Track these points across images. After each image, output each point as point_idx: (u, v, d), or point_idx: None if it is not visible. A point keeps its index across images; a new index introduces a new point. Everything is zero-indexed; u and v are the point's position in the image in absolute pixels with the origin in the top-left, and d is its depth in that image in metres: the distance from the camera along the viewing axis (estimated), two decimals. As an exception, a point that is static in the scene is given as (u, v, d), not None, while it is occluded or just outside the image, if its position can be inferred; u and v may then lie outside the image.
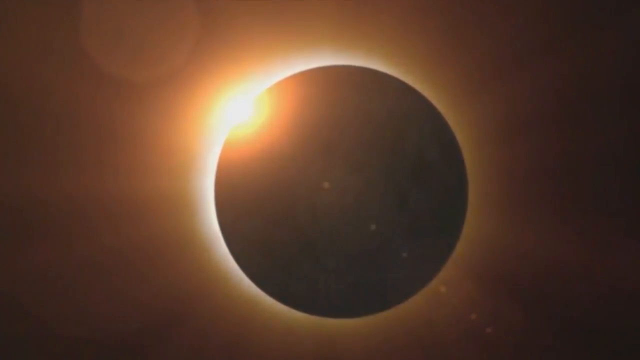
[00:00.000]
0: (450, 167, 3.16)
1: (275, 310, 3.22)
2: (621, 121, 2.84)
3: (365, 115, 3.19)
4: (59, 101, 2.91)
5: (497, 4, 2.92)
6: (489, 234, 3.11)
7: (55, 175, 3.02)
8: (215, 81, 3.15)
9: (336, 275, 3.21)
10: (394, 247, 3.18)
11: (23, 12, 2.75)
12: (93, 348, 3.14)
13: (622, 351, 2.86)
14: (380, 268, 3.19)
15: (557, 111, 2.95)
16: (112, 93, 2.96)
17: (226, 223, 3.24)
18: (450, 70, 3.08)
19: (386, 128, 3.18)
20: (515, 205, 3.06)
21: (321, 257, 3.21)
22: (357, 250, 3.20)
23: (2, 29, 2.74)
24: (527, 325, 2.98)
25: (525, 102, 2.98)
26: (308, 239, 3.21)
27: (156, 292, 3.17)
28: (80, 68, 2.84)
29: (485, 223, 3.12)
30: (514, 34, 2.94)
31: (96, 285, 3.14)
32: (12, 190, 2.97)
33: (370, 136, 3.19)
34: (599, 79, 2.84)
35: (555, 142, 2.96)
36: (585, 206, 2.93)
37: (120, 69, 2.90)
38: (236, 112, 3.24)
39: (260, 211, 3.22)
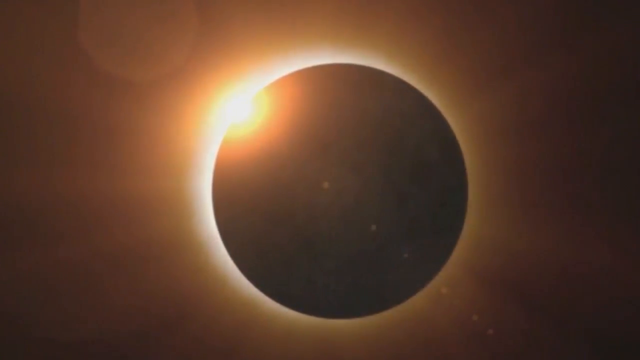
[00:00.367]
0: (450, 167, 3.15)
1: (275, 311, 3.19)
2: (623, 121, 2.85)
3: (365, 114, 3.16)
4: (54, 100, 2.85)
5: (498, 3, 2.90)
6: (489, 234, 3.11)
7: (49, 175, 2.97)
8: (213, 80, 3.10)
9: (335, 275, 3.19)
10: (394, 247, 3.17)
11: (21, 11, 2.68)
12: (90, 350, 3.10)
13: (624, 351, 2.89)
14: (380, 268, 3.18)
15: (558, 111, 2.95)
16: (108, 92, 2.91)
17: (224, 223, 3.20)
18: (451, 70, 3.06)
19: (385, 127, 3.16)
20: (515, 205, 3.06)
21: (320, 257, 3.18)
22: (357, 250, 3.18)
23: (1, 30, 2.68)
24: (527, 325, 2.99)
25: (526, 102, 2.98)
26: (307, 239, 3.18)
27: (154, 294, 3.13)
28: (76, 67, 2.78)
29: (485, 223, 3.11)
30: (515, 33, 2.93)
31: (93, 286, 3.10)
32: (7, 190, 2.91)
33: (370, 135, 3.16)
34: (601, 78, 2.85)
35: (556, 141, 2.96)
36: (585, 206, 2.94)
37: (117, 68, 2.85)
38: (234, 111, 3.19)
39: (258, 211, 3.19)
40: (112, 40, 2.79)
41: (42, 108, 2.86)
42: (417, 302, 3.14)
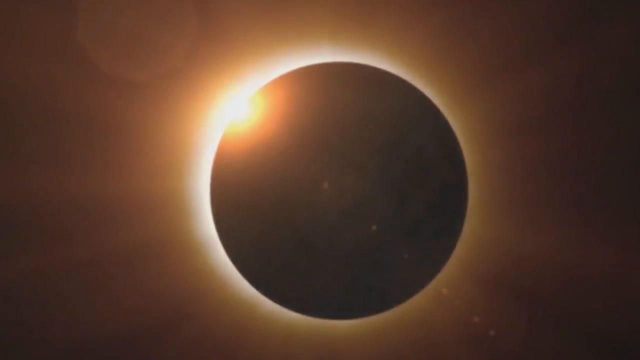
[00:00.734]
0: (450, 167, 3.13)
1: (274, 312, 3.17)
2: (625, 121, 2.83)
3: (365, 114, 3.14)
4: (51, 99, 2.83)
5: (499, 1, 2.87)
6: (489, 235, 3.09)
7: (46, 175, 2.94)
8: (211, 79, 3.07)
9: (335, 276, 3.17)
10: (394, 247, 3.15)
11: (20, 11, 2.66)
12: (87, 351, 3.09)
13: (628, 353, 2.88)
14: (380, 269, 3.16)
15: (559, 110, 2.92)
16: (104, 91, 2.88)
17: (222, 224, 3.18)
18: (452, 68, 3.03)
19: (385, 127, 3.13)
20: (516, 205, 3.04)
21: (319, 258, 3.16)
22: (356, 250, 3.16)
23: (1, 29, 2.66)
24: (527, 326, 2.98)
25: (528, 101, 2.95)
26: (306, 239, 3.16)
27: (151, 295, 3.11)
28: (74, 66, 2.76)
29: (486, 223, 3.09)
30: (517, 32, 2.90)
31: (89, 287, 3.08)
32: (4, 190, 2.89)
33: (369, 135, 3.14)
34: (604, 77, 2.82)
35: (558, 141, 2.94)
36: (588, 206, 2.92)
37: (114, 67, 2.82)
38: (232, 111, 3.16)
39: (257, 211, 3.16)
40: (109, 39, 2.76)
41: (38, 107, 2.83)
42: (417, 302, 3.13)
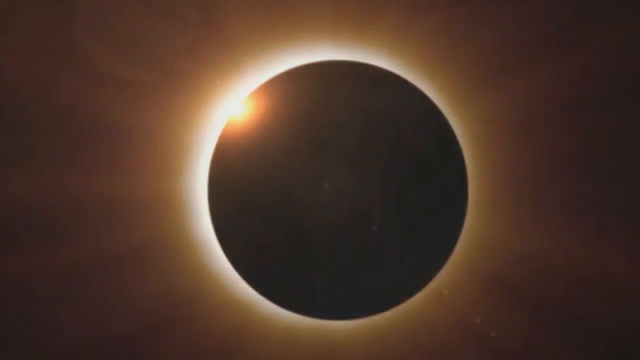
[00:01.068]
0: (450, 166, 3.11)
1: (273, 312, 3.16)
2: (625, 121, 2.83)
3: (364, 113, 3.11)
4: (49, 99, 2.79)
5: (500, 0, 2.86)
6: (489, 234, 3.09)
7: (44, 174, 2.90)
8: (208, 76, 3.04)
9: (334, 276, 3.15)
10: (393, 247, 3.14)
11: (20, 10, 2.62)
12: (84, 351, 3.06)
13: (626, 353, 2.89)
14: (379, 269, 3.15)
15: (562, 109, 2.92)
16: (101, 91, 2.84)
17: (220, 224, 3.15)
18: (452, 68, 3.02)
19: (385, 126, 3.11)
20: (516, 205, 3.04)
21: (318, 258, 3.14)
22: (355, 250, 3.14)
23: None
24: (528, 327, 2.99)
25: (528, 101, 2.95)
26: (305, 239, 3.14)
27: (149, 297, 3.08)
28: (68, 64, 2.72)
29: (486, 223, 3.09)
30: (518, 31, 2.89)
31: (86, 288, 3.05)
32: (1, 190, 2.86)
33: (369, 134, 3.11)
34: (605, 77, 2.82)
35: (560, 140, 2.93)
36: (587, 206, 2.92)
37: (112, 66, 2.78)
38: (229, 109, 3.13)
39: (255, 211, 3.13)
40: (108, 38, 2.73)
41: (34, 107, 2.80)
42: (416, 303, 3.12)
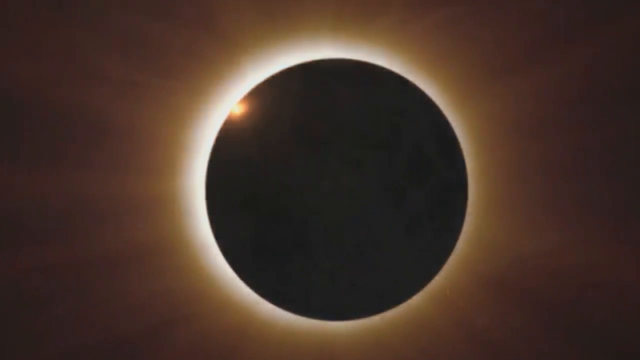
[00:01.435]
0: (450, 166, 3.10)
1: (271, 313, 3.14)
2: (628, 121, 2.83)
3: (364, 112, 3.09)
4: (47, 98, 2.75)
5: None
6: (489, 234, 3.08)
7: (39, 175, 2.86)
8: (206, 75, 3.00)
9: (333, 276, 3.13)
10: (392, 247, 3.12)
11: (18, 9, 2.58)
12: (82, 352, 3.03)
13: (626, 353, 2.89)
14: (378, 269, 3.13)
15: (561, 110, 2.91)
16: (96, 89, 2.80)
17: (218, 224, 3.11)
18: (453, 67, 3.00)
19: (385, 125, 3.09)
20: (516, 204, 3.03)
21: (317, 258, 3.12)
22: (355, 250, 3.12)
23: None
24: (528, 327, 2.99)
25: (529, 100, 2.93)
26: (303, 239, 3.12)
27: (146, 297, 3.05)
28: (67, 64, 2.68)
29: (486, 223, 3.08)
30: (519, 30, 2.88)
31: (83, 289, 3.02)
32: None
33: (369, 133, 3.09)
34: (608, 76, 2.81)
35: (561, 140, 2.92)
36: (591, 207, 2.92)
37: (108, 65, 2.74)
38: (227, 108, 3.09)
39: (253, 211, 3.10)
40: (104, 37, 2.69)
41: (32, 107, 2.76)
42: (417, 303, 3.11)
